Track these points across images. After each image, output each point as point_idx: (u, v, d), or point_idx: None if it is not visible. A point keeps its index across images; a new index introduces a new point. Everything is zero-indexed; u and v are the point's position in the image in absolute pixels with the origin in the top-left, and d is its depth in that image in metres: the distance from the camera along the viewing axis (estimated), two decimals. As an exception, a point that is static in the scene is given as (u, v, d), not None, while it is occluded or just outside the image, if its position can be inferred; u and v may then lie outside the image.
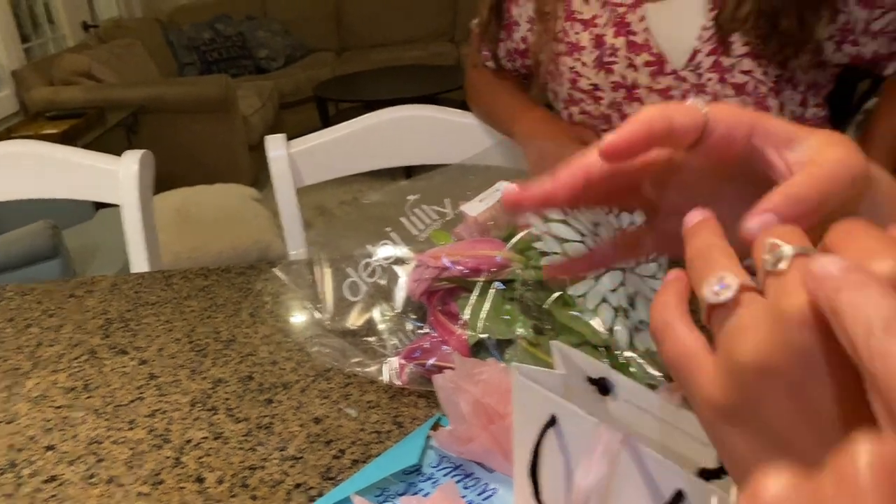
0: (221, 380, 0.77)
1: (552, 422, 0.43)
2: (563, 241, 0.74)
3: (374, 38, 5.23)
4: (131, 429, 0.70)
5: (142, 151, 1.16)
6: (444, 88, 3.99)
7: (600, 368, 0.44)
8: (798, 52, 0.89)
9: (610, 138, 0.32)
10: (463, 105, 1.27)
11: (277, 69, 4.93)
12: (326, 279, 0.77)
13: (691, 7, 0.91)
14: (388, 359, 0.71)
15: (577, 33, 0.97)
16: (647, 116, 0.32)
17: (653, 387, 0.53)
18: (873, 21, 0.92)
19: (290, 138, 1.21)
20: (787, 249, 0.23)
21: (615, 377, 0.44)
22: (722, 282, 0.24)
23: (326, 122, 4.23)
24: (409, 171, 1.12)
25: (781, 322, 0.21)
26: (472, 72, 1.22)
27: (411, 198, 0.77)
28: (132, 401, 0.74)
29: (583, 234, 0.75)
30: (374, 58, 4.92)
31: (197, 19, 4.95)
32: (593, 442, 0.39)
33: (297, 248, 1.12)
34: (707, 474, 0.38)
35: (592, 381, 0.45)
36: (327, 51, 5.18)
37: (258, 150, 3.87)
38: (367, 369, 0.72)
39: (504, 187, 0.81)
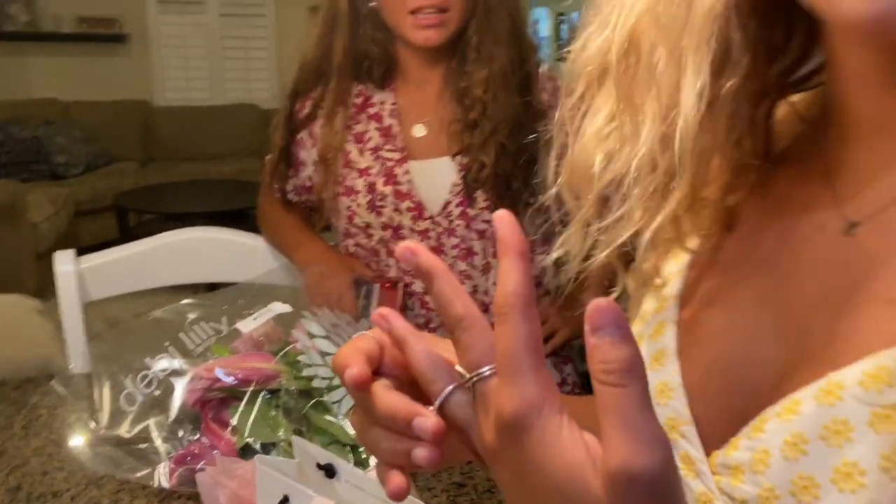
0: (-13, 491, 0.78)
1: (285, 500, 0.54)
2: (325, 354, 0.86)
3: (184, 150, 5.23)
4: None
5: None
6: (253, 204, 4.04)
7: (327, 456, 0.56)
8: (527, 208, 1.12)
9: (350, 373, 0.37)
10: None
11: (76, 176, 4.76)
12: (105, 391, 0.83)
13: (445, 167, 1.12)
14: (160, 463, 0.78)
15: (353, 179, 1.15)
16: (361, 350, 0.39)
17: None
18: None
19: (85, 247, 1.25)
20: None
21: (339, 463, 0.57)
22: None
23: (126, 232, 4.11)
24: (211, 286, 1.21)
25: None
26: (263, 200, 1.35)
27: (192, 315, 0.87)
28: None
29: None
30: (182, 170, 4.90)
31: (-13, 120, 4.70)
32: (312, 513, 0.50)
33: (79, 363, 1.14)
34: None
35: (321, 466, 0.56)
36: (132, 160, 5.09)
37: (47, 259, 3.66)
38: (139, 474, 0.78)
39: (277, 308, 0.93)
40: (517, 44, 1.11)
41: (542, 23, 3.69)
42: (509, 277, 0.32)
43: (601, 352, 0.29)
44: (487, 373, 0.33)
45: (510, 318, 0.32)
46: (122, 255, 1.27)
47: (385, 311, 0.40)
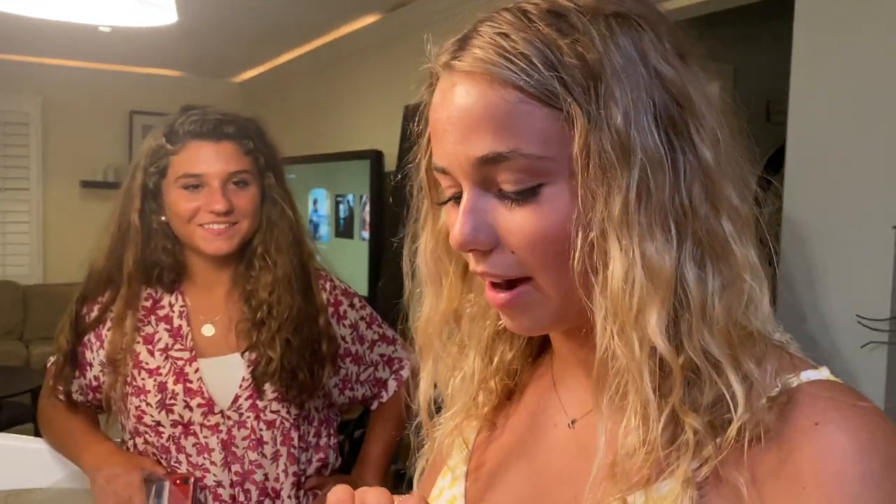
0: None
1: None
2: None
3: (-79, 335, 4.67)
4: None
5: None
6: (12, 391, 3.71)
7: None
8: (311, 396, 1.24)
9: None
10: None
11: None
12: None
13: (234, 363, 1.22)
14: None
15: (143, 379, 1.20)
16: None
17: None
18: (361, 373, 1.34)
19: None
20: None
21: None
22: None
23: None
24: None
25: None
26: (44, 402, 1.33)
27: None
28: None
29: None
30: (-82, 358, 4.36)
31: None
32: None
33: None
34: None
35: None
36: None
37: None
38: None
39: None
40: (298, 252, 1.27)
41: (320, 202, 3.96)
42: None
43: None
44: None
45: None
46: None
47: None
